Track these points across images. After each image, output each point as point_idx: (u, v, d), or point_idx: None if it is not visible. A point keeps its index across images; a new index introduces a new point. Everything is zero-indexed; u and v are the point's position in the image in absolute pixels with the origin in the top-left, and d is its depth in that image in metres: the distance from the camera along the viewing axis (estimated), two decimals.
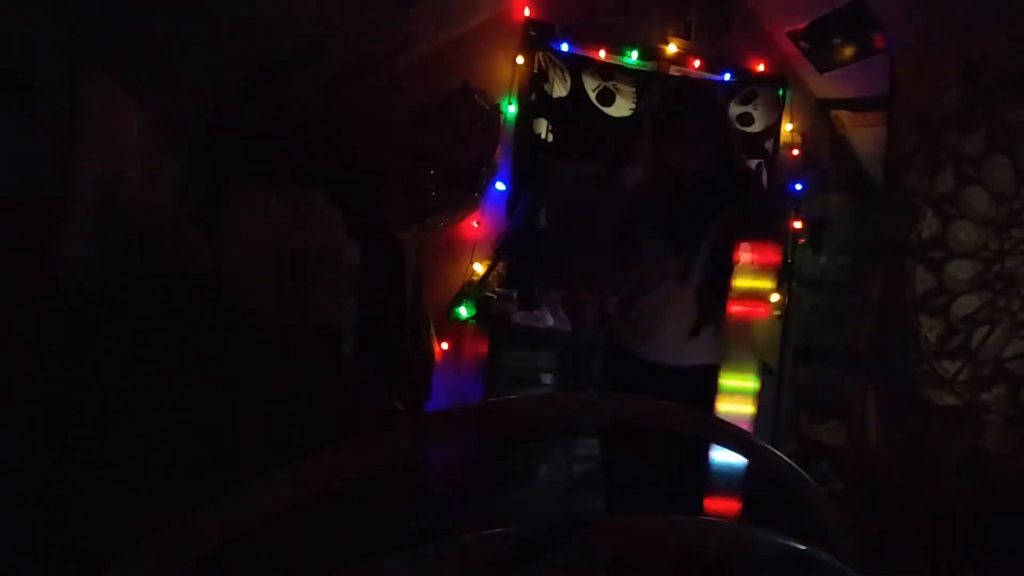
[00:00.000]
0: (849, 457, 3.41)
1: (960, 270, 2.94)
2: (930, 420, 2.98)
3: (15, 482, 1.66)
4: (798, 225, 3.94)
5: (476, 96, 3.39)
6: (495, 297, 3.39)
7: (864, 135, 3.85)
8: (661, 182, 2.22)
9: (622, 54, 3.67)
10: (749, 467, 1.85)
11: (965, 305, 2.92)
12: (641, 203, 2.28)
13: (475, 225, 3.49)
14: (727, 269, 2.10)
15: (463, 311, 3.41)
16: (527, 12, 3.50)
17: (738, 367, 2.13)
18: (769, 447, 0.87)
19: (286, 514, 0.59)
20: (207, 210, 2.26)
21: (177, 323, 1.88)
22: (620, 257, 2.33)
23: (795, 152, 4.02)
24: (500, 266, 3.46)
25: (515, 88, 3.51)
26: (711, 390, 2.12)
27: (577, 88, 3.60)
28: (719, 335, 2.19)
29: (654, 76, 3.71)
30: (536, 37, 3.50)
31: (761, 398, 2.31)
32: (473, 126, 3.38)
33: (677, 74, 3.75)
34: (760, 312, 2.12)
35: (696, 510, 1.95)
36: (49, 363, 1.75)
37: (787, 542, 0.70)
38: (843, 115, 3.96)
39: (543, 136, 3.53)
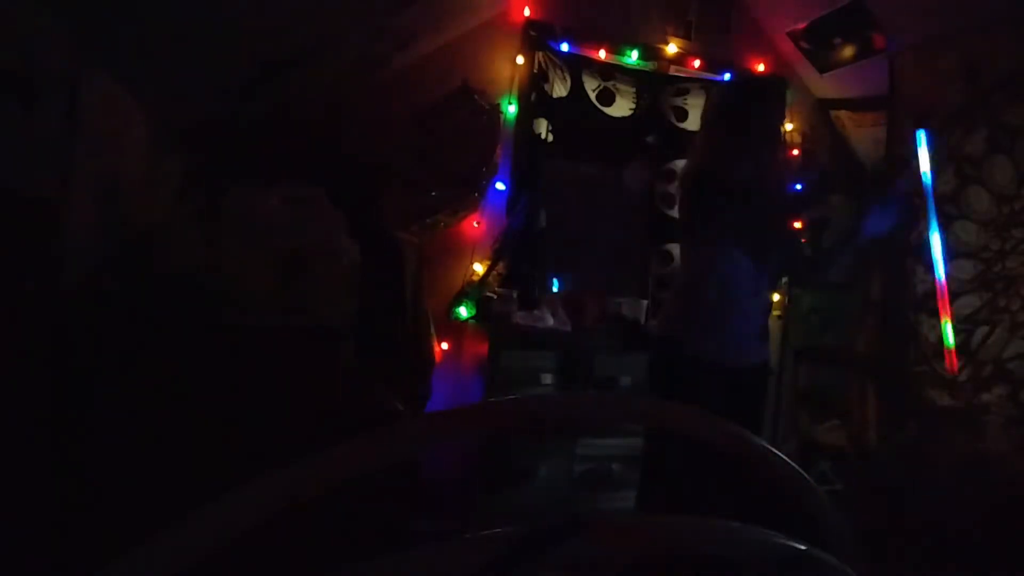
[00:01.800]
0: (849, 457, 3.41)
1: (960, 270, 2.94)
2: (930, 421, 2.98)
3: (14, 481, 1.66)
4: (798, 225, 3.94)
5: (476, 96, 3.39)
6: (495, 297, 3.39)
7: (864, 135, 3.85)
8: (719, 182, 2.20)
9: (622, 54, 3.67)
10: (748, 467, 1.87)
11: (965, 305, 2.92)
12: (707, 198, 2.23)
13: (475, 225, 3.49)
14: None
15: (463, 311, 3.40)
16: (527, 12, 3.50)
17: None
18: (769, 447, 0.87)
19: (287, 514, 0.59)
20: (207, 210, 2.26)
21: (176, 323, 1.88)
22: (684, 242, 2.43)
23: (795, 152, 4.02)
24: (500, 266, 3.46)
25: (515, 88, 3.50)
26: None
27: (577, 88, 3.59)
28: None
29: (654, 76, 3.71)
30: (536, 37, 3.49)
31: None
32: (473, 126, 3.37)
33: (677, 74, 3.76)
34: None
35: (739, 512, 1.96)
36: (48, 362, 1.75)
37: (787, 542, 0.70)
38: (843, 115, 3.96)
39: (543, 136, 3.52)
